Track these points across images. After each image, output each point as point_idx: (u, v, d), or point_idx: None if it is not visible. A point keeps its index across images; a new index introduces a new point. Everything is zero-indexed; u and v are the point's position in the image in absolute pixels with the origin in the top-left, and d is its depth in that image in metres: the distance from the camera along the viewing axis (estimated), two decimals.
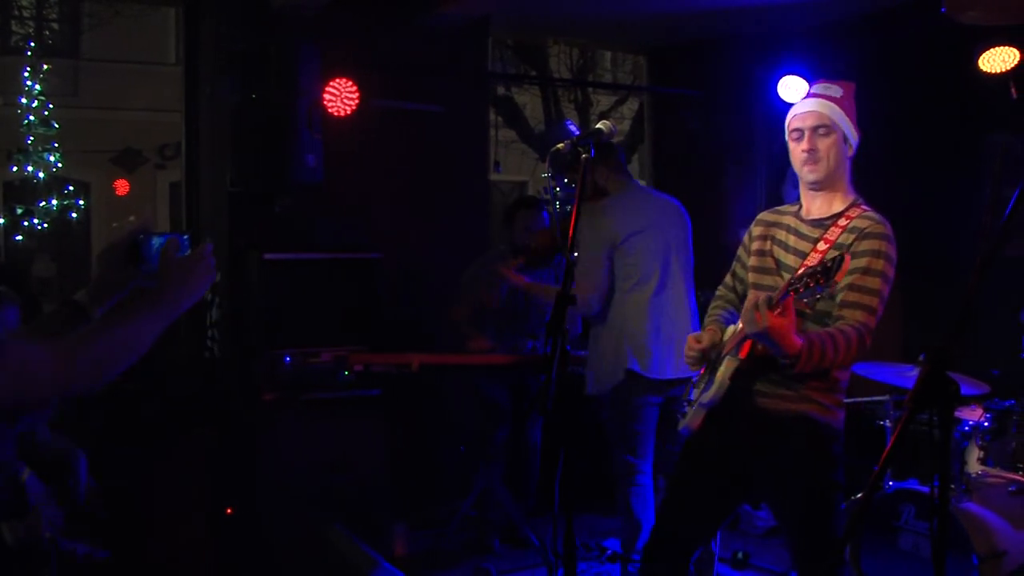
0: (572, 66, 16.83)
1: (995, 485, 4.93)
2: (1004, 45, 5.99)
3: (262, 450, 5.80)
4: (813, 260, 3.57)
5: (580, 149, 3.60)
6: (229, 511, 5.86)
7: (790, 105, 7.05)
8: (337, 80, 6.34)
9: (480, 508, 6.18)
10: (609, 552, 6.13)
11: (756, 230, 3.97)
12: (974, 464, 5.12)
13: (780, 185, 7.91)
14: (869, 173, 7.38)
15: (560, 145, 3.68)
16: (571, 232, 3.39)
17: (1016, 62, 5.99)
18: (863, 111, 7.56)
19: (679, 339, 5.18)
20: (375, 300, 6.50)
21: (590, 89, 17.50)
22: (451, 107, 7.17)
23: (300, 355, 6.07)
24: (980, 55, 6.10)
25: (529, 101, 17.83)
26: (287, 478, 5.75)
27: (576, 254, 3.46)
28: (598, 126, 3.69)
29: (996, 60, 6.04)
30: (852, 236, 3.58)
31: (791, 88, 7.08)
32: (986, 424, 5.05)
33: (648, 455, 5.20)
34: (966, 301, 2.25)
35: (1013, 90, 5.95)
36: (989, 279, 2.70)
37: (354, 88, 6.39)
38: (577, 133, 5.07)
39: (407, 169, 6.98)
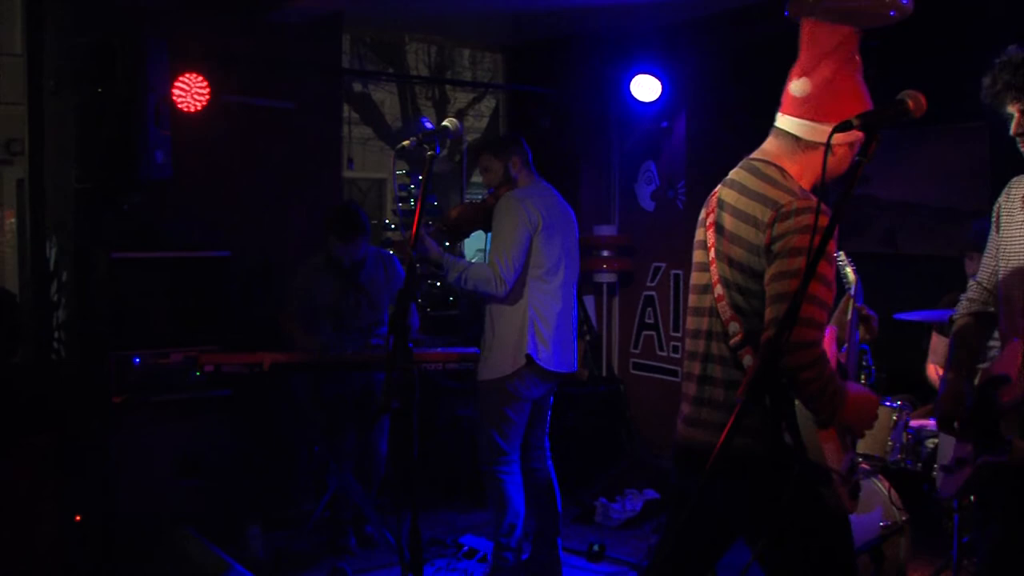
0: (430, 63, 16.80)
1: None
2: None
3: (112, 453, 5.66)
4: None
5: (426, 146, 3.61)
6: (78, 518, 5.71)
7: (643, 104, 7.26)
8: (187, 75, 6.26)
9: (334, 508, 6.14)
10: (466, 548, 6.14)
11: None
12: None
13: (633, 183, 8.04)
14: (716, 173, 7.57)
15: (405, 142, 3.67)
16: (414, 229, 3.37)
17: None
18: (714, 111, 7.76)
19: (572, 335, 5.38)
20: (226, 299, 6.41)
21: (448, 86, 17.49)
22: (304, 103, 7.11)
23: (150, 356, 5.96)
24: None
25: (387, 98, 17.74)
26: (138, 482, 5.64)
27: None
28: (444, 123, 3.70)
29: None
30: None
31: (643, 87, 7.20)
32: None
33: (516, 448, 5.30)
34: (796, 295, 2.32)
35: None
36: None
37: (204, 83, 6.31)
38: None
39: (259, 166, 6.90)
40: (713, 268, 3.07)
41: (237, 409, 6.15)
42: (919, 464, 5.02)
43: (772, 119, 3.21)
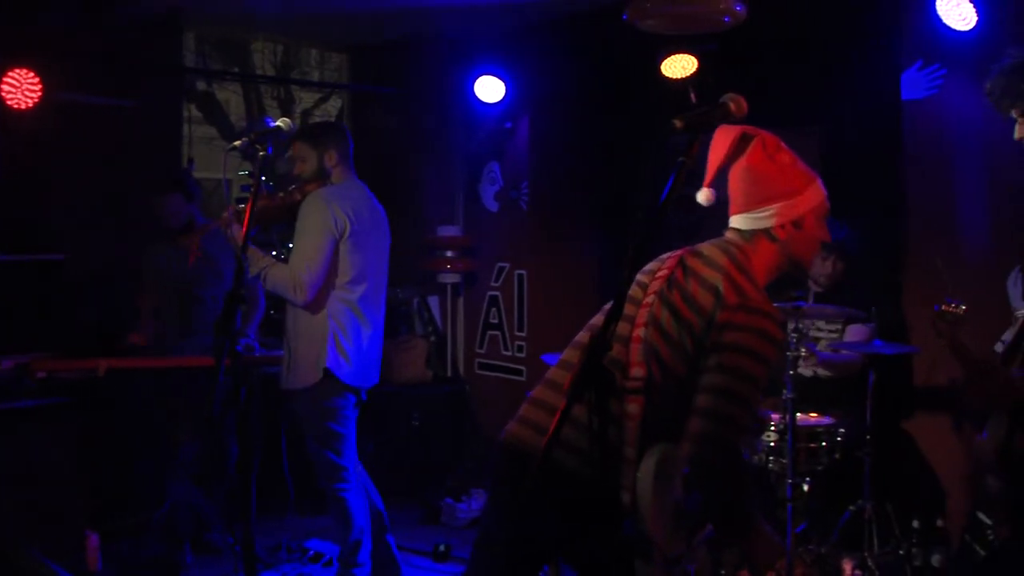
0: (276, 63, 16.59)
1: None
2: (684, 53, 6.37)
3: None
4: None
5: (258, 147, 3.56)
6: None
7: (487, 104, 7.30)
8: (17, 71, 6.03)
9: (174, 515, 6.00)
10: (311, 553, 6.09)
11: None
12: None
13: (477, 184, 8.07)
14: (559, 174, 7.68)
15: (237, 142, 3.63)
16: (244, 231, 3.33)
17: (695, 69, 6.38)
18: (556, 113, 7.84)
19: (375, 348, 5.20)
20: (60, 303, 6.23)
21: (294, 86, 17.30)
22: (143, 102, 6.94)
23: None
24: (662, 61, 6.46)
25: (231, 97, 17.47)
26: None
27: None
28: (277, 123, 3.68)
29: (676, 67, 6.43)
30: None
31: (487, 88, 7.25)
32: None
33: (352, 457, 5.17)
34: (619, 293, 2.37)
35: (692, 95, 6.33)
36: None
37: (36, 80, 6.09)
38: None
39: (95, 165, 6.69)
40: (644, 310, 2.98)
41: (74, 416, 5.98)
42: (756, 456, 5.17)
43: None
